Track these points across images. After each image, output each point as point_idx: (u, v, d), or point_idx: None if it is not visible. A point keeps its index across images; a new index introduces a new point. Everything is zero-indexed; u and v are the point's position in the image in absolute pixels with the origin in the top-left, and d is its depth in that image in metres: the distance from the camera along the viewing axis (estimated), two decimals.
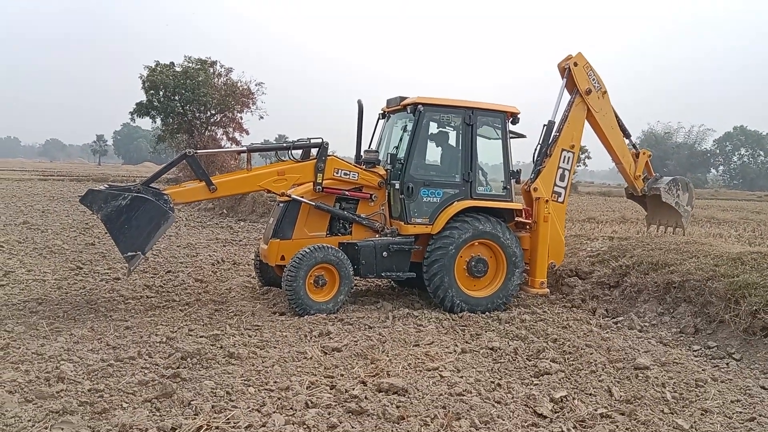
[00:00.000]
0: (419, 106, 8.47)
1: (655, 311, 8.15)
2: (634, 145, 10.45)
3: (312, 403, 4.91)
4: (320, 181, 8.36)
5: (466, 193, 8.65)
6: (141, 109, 36.09)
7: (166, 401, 4.82)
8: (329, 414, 4.71)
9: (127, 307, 8.02)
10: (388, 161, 8.89)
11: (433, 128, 9.01)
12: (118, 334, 6.63)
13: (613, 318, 8.37)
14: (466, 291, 8.53)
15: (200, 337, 6.59)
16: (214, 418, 4.51)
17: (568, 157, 9.37)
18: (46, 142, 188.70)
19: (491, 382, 5.66)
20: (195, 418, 4.49)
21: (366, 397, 5.04)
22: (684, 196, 10.54)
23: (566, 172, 9.36)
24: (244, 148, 8.68)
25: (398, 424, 4.63)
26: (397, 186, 8.45)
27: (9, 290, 8.64)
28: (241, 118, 37.52)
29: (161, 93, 35.17)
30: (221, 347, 6.23)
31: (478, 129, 8.72)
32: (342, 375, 5.66)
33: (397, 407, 4.88)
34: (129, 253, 7.11)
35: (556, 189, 9.30)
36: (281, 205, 8.59)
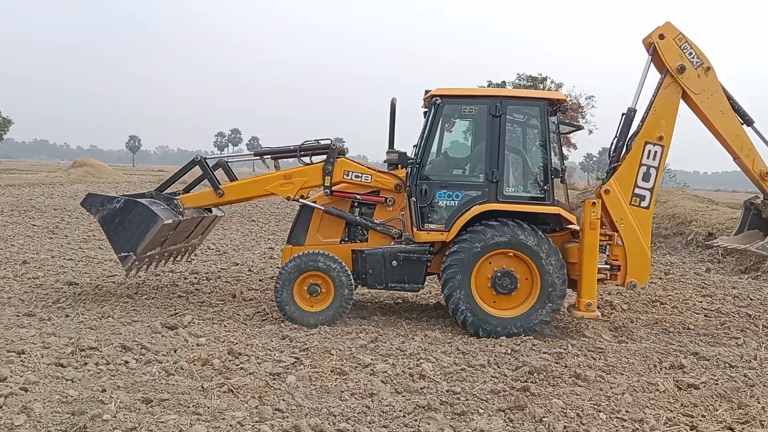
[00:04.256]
0: (436, 98, 7.59)
1: None
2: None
3: None
4: (328, 184, 7.89)
5: (491, 194, 7.45)
6: None
7: (519, 413, 4.95)
8: None
9: None
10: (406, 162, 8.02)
11: (453, 123, 8.08)
12: (465, 341, 7.08)
13: None
14: (488, 308, 7.40)
15: (543, 353, 6.64)
16: None
17: (655, 152, 7.43)
18: None
19: None
20: None
21: None
22: None
23: (652, 170, 7.45)
24: (252, 153, 8.57)
25: None
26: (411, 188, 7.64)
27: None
28: (569, 132, 37.33)
29: None
30: (566, 366, 6.18)
31: (517, 120, 7.78)
32: (703, 416, 5.11)
33: None
34: (122, 254, 7.49)
35: (638, 191, 7.45)
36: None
